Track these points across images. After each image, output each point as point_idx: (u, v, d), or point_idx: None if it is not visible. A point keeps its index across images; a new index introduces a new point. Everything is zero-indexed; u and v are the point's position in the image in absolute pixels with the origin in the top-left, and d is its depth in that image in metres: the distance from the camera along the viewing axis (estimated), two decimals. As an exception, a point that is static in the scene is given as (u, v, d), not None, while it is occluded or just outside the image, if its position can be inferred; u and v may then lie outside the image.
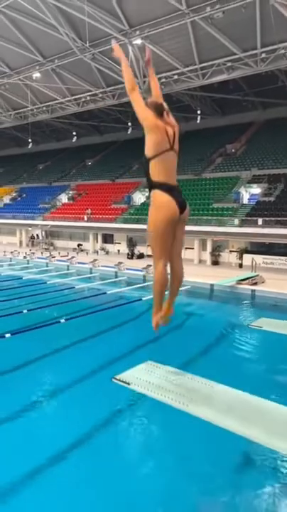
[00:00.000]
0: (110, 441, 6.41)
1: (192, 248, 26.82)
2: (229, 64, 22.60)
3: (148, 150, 3.63)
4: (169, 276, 3.88)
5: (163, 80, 25.34)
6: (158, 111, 3.68)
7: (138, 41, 21.85)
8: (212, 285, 17.96)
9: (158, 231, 3.53)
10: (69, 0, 19.33)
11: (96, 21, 20.65)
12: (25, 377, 8.75)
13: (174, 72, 24.30)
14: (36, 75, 27.28)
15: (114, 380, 5.51)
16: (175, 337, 11.99)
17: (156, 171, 3.59)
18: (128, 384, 5.25)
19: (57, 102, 31.27)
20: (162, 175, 3.57)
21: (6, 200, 43.31)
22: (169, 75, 24.69)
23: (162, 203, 3.49)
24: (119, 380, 5.65)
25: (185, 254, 27.39)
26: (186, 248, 27.62)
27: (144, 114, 3.64)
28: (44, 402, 7.73)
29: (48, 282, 19.33)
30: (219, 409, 5.00)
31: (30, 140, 37.74)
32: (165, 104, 3.78)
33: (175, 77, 24.75)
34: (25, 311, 13.32)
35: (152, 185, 3.61)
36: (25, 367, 9.22)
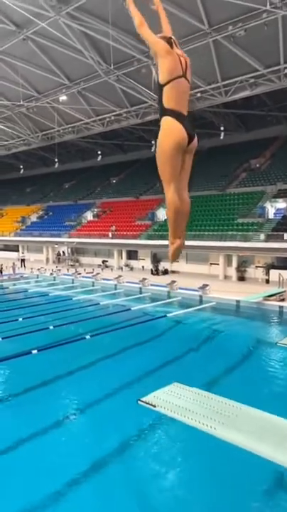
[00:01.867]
0: (135, 464, 6.31)
1: (218, 264, 26.56)
2: (251, 80, 22.67)
3: (162, 75, 3.62)
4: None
5: (186, 98, 25.60)
6: (169, 43, 3.72)
7: (161, 62, 22.25)
8: (238, 301, 17.66)
9: (167, 155, 3.55)
10: (94, 25, 20.05)
11: (121, 44, 21.25)
12: (51, 394, 8.79)
13: (197, 90, 24.55)
14: (63, 97, 28.21)
15: (139, 402, 5.28)
16: (201, 355, 11.82)
17: (169, 98, 3.62)
18: (154, 406, 5.03)
19: (82, 122, 32.14)
20: (173, 102, 3.61)
21: (34, 218, 44.41)
22: (192, 93, 24.96)
23: (170, 127, 3.52)
24: (145, 403, 5.40)
25: (211, 269, 27.17)
26: (212, 264, 27.41)
27: (156, 40, 3.66)
28: (69, 420, 7.72)
29: (74, 298, 19.53)
30: (248, 433, 4.72)
31: (56, 160, 38.78)
32: (174, 38, 3.80)
33: (198, 95, 25.00)
34: (51, 327, 13.47)
35: (163, 112, 3.65)
36: (52, 383, 9.27)
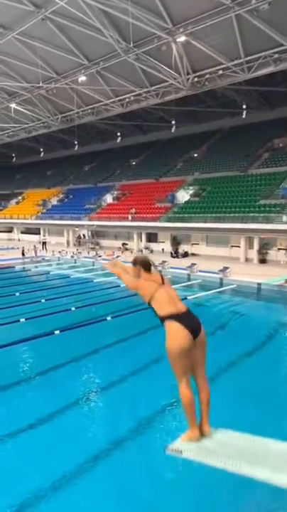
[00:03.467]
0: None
1: (239, 246, 26.26)
2: (276, 56, 21.79)
3: (145, 299, 3.99)
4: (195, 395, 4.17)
5: (207, 75, 24.99)
6: (147, 267, 4.36)
7: (182, 38, 21.67)
8: (259, 284, 17.48)
9: (174, 357, 3.90)
10: (113, 2, 19.59)
11: (140, 21, 20.73)
12: (74, 374, 9.00)
13: (218, 67, 23.83)
14: (82, 78, 27.89)
15: (167, 451, 5.13)
16: (220, 337, 11.81)
17: (159, 308, 3.92)
18: (181, 452, 4.92)
19: (101, 103, 31.82)
20: (165, 308, 3.91)
21: (54, 201, 44.75)
22: (213, 70, 24.27)
23: (174, 332, 3.85)
24: (172, 450, 5.20)
25: (232, 252, 26.91)
26: (232, 246, 27.13)
27: (127, 282, 4.49)
28: (92, 400, 7.92)
29: (94, 281, 19.76)
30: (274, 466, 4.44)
31: (76, 142, 38.72)
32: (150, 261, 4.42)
33: (220, 72, 24.26)
34: (73, 308, 13.70)
35: (162, 320, 4.01)
36: (75, 362, 9.48)
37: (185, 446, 4.52)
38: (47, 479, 5.38)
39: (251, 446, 4.64)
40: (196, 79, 25.46)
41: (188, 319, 3.98)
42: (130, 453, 6.08)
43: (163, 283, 4.26)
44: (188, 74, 24.99)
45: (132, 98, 29.95)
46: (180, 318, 3.94)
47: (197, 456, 4.96)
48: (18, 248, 30.64)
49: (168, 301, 4.11)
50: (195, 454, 4.82)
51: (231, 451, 4.57)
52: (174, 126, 33.57)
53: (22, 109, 35.01)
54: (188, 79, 25.30)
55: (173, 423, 6.83)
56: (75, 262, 26.27)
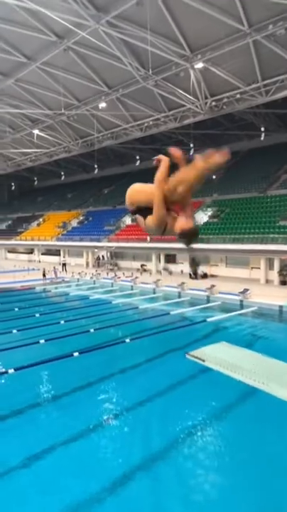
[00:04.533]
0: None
1: (259, 267, 25.90)
2: (293, 79, 22.03)
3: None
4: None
5: (225, 99, 25.36)
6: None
7: (200, 65, 22.16)
8: (281, 306, 17.11)
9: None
10: (133, 32, 20.29)
11: (159, 49, 21.35)
12: (93, 396, 8.91)
13: (236, 91, 24.19)
14: (102, 104, 28.73)
15: (187, 356, 5.16)
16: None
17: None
18: (203, 361, 4.92)
19: (121, 128, 32.58)
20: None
21: (74, 223, 45.43)
22: (231, 94, 24.64)
23: None
24: (193, 356, 5.28)
25: (252, 273, 26.54)
26: (252, 267, 26.78)
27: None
28: (110, 422, 7.78)
29: (113, 302, 19.75)
30: None
31: (95, 166, 39.55)
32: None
33: (238, 96, 24.62)
34: (92, 330, 13.68)
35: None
36: (94, 385, 9.39)
37: (207, 356, 4.42)
38: (66, 500, 5.27)
39: (276, 367, 4.52)
40: (214, 103, 25.85)
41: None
42: (141, 485, 5.92)
43: None
44: (206, 98, 25.42)
45: (151, 122, 30.56)
46: None
47: (218, 366, 4.89)
48: (38, 269, 31.06)
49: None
50: (217, 365, 4.74)
51: (257, 369, 4.46)
52: (192, 149, 33.94)
53: (44, 135, 36.16)
54: (206, 103, 25.72)
55: (189, 449, 6.64)
56: (94, 283, 26.39)
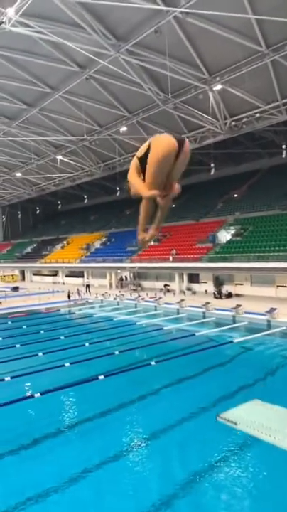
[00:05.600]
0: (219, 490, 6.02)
1: (285, 286, 25.34)
2: (313, 96, 22.00)
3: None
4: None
5: (245, 119, 25.51)
6: None
7: (219, 87, 22.49)
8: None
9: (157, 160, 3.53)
10: (152, 58, 20.88)
11: (178, 74, 21.85)
12: (119, 421, 8.77)
13: (256, 110, 24.34)
14: (123, 128, 29.44)
15: (219, 418, 4.93)
16: (272, 383, 11.16)
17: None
18: (235, 424, 4.64)
19: (142, 151, 33.06)
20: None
21: (97, 245, 45.99)
22: (251, 113, 24.81)
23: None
24: (225, 419, 5.00)
25: (278, 292, 25.97)
26: (278, 286, 26.23)
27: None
28: (138, 447, 7.62)
29: (137, 323, 19.63)
30: None
31: (117, 188, 40.18)
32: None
33: (257, 115, 24.75)
34: (116, 352, 13.58)
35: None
36: (120, 409, 9.25)
37: (239, 419, 4.19)
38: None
39: None
40: (233, 123, 26.03)
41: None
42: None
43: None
44: (225, 119, 25.64)
45: (171, 144, 30.90)
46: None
47: (251, 430, 4.56)
48: (62, 291, 31.39)
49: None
50: (250, 428, 4.44)
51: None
52: (213, 169, 34.09)
53: (67, 160, 37.19)
54: (226, 123, 25.93)
55: (221, 474, 6.40)
56: (118, 304, 26.37)
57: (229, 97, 23.74)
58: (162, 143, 3.45)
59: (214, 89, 22.76)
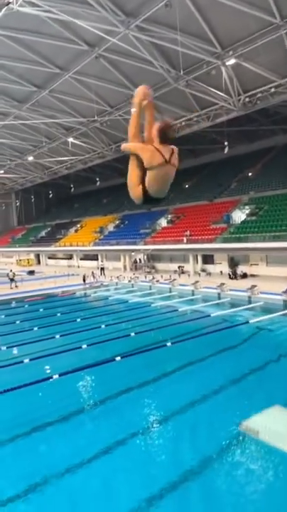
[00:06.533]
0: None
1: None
2: None
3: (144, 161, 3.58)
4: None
5: (259, 94, 24.73)
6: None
7: (232, 61, 21.76)
8: None
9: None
10: (163, 34, 20.27)
11: (189, 49, 21.19)
12: (138, 401, 8.90)
13: (270, 85, 23.52)
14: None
15: (241, 428, 4.79)
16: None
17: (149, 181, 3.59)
18: (257, 433, 4.53)
19: (153, 131, 32.55)
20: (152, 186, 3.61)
21: (111, 228, 45.98)
22: (265, 89, 24.00)
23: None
24: (246, 429, 4.82)
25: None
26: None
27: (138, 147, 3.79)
28: (157, 427, 7.73)
29: (152, 305, 19.72)
30: None
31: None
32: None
33: (272, 90, 23.93)
34: (132, 334, 13.70)
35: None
36: (137, 389, 9.37)
37: (261, 428, 4.15)
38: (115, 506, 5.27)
39: None
40: (247, 99, 25.28)
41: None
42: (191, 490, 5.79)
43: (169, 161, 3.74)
44: (239, 95, 24.91)
45: (183, 123, 30.37)
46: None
47: (273, 440, 4.47)
48: (78, 275, 31.66)
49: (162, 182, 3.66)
50: (273, 438, 4.35)
51: None
52: (227, 147, 33.37)
53: (78, 142, 36.90)
54: (239, 99, 25.21)
55: (236, 456, 6.45)
56: (132, 287, 26.49)
57: (242, 71, 22.99)
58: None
59: (227, 63, 22.05)
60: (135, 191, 3.63)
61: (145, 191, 3.61)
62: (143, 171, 3.60)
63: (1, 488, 5.98)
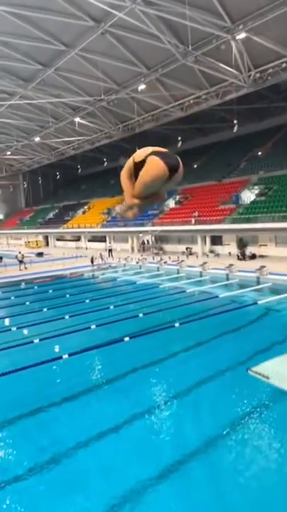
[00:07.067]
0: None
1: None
2: None
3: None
4: None
5: (270, 70, 24.02)
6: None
7: (242, 35, 21.05)
8: None
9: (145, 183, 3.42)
10: (170, 7, 19.62)
11: (198, 23, 20.52)
12: (146, 380, 9.00)
13: (282, 60, 22.80)
14: (141, 86, 28.30)
15: (250, 372, 4.80)
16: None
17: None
18: (267, 378, 4.50)
19: (161, 109, 32.02)
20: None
21: (118, 209, 45.76)
22: (277, 64, 23.27)
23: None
24: (256, 373, 4.83)
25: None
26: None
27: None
28: (165, 405, 7.83)
29: (160, 286, 19.75)
30: None
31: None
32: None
33: (284, 65, 23.20)
34: (140, 314, 13.78)
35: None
36: (145, 369, 9.48)
37: (271, 372, 4.16)
38: (121, 486, 5.39)
39: None
40: (258, 75, 24.58)
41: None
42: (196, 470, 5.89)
43: None
44: (249, 70, 24.23)
45: (192, 101, 29.74)
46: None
47: (285, 385, 4.43)
48: (86, 256, 31.75)
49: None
50: (284, 383, 4.31)
51: None
52: (236, 126, 32.69)
53: (85, 122, 36.43)
54: (249, 75, 24.53)
55: (243, 438, 6.52)
56: (140, 268, 26.52)
57: (252, 46, 22.28)
58: (154, 168, 3.29)
59: (237, 38, 21.37)
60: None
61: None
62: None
63: (11, 464, 6.15)
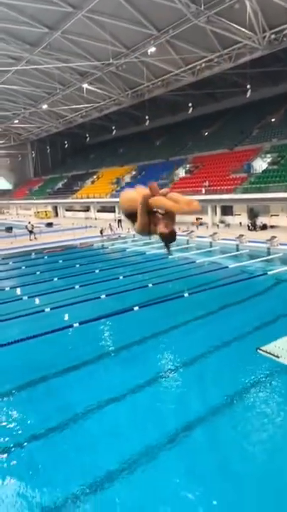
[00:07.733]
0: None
1: None
2: None
3: None
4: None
5: (286, 31, 22.83)
6: None
7: (257, -8, 19.95)
8: None
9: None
10: None
11: (211, -20, 19.45)
12: (155, 349, 9.16)
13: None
14: (151, 49, 27.17)
15: (259, 351, 4.86)
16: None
17: None
18: (277, 357, 4.54)
19: (171, 74, 30.89)
20: None
21: (127, 179, 45.16)
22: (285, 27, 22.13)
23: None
24: (265, 352, 4.85)
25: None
26: None
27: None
28: (172, 374, 7.99)
29: (169, 257, 19.72)
30: None
31: (147, 117, 38.31)
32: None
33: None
34: (150, 285, 13.86)
35: None
36: (154, 338, 9.63)
37: (281, 352, 4.25)
38: (123, 455, 5.58)
39: None
40: (273, 36, 23.42)
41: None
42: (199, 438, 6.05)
43: None
44: (264, 31, 23.07)
45: (203, 65, 28.62)
46: None
47: None
48: (95, 227, 31.72)
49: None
50: None
51: None
52: (249, 91, 31.50)
53: (93, 89, 35.43)
54: (264, 37, 23.37)
55: (250, 404, 6.64)
56: (150, 239, 26.39)
57: (268, 5, 21.08)
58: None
59: (252, -5, 20.23)
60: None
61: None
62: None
63: (21, 427, 6.40)
